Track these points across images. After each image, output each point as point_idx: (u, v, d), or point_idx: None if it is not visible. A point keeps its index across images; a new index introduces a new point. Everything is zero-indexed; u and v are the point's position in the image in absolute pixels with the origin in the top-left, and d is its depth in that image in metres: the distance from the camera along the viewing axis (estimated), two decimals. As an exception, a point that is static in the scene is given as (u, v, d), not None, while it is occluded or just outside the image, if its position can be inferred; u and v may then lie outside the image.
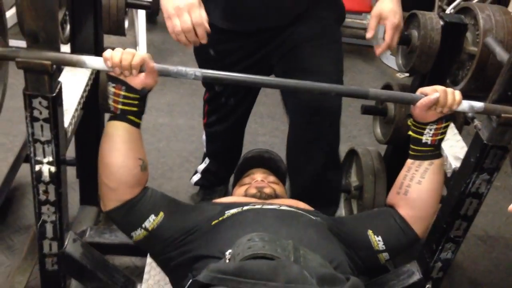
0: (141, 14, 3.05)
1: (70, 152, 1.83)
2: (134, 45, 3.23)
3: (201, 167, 2.01)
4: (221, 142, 1.88)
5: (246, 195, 1.36)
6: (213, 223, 1.13)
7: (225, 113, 1.76)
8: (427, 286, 1.40)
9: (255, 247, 0.97)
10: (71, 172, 1.89)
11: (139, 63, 1.04)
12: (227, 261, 0.97)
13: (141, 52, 1.09)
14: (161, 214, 1.14)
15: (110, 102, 1.09)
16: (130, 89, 1.07)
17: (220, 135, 1.84)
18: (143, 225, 1.13)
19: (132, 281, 1.43)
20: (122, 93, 1.07)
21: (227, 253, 0.99)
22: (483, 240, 2.22)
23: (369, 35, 1.40)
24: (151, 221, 1.13)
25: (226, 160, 1.95)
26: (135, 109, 1.09)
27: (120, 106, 1.08)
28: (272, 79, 1.17)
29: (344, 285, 0.93)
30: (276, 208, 1.18)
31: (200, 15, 1.18)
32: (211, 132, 1.86)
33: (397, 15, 1.38)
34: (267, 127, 2.73)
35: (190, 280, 0.95)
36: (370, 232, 1.19)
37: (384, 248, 1.19)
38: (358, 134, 2.74)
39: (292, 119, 1.59)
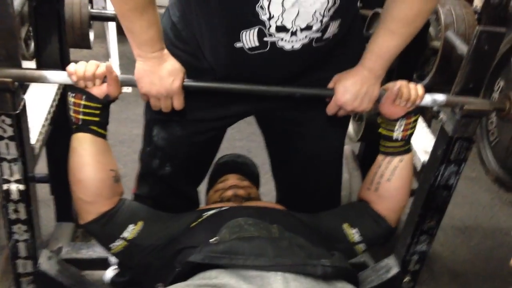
0: (112, 26, 3.03)
1: (43, 169, 1.82)
2: (106, 57, 3.21)
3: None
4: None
5: (221, 199, 1.36)
6: (192, 225, 1.13)
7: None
8: (406, 279, 1.42)
9: (242, 229, 0.99)
10: (45, 189, 1.88)
11: (102, 73, 1.04)
12: (215, 244, 0.97)
13: (105, 63, 1.08)
14: (140, 223, 1.14)
15: (71, 113, 1.08)
16: (90, 98, 1.06)
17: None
18: (122, 235, 1.12)
19: (112, 296, 1.42)
20: (83, 102, 1.06)
21: (212, 240, 0.99)
22: (461, 231, 2.26)
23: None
24: (130, 231, 1.12)
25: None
26: (97, 119, 1.08)
27: (81, 117, 1.07)
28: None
29: (331, 257, 0.95)
30: (253, 206, 1.20)
31: (182, 103, 1.13)
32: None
33: (356, 100, 1.13)
34: (243, 132, 2.74)
35: (179, 266, 0.94)
36: (345, 225, 1.21)
37: (361, 239, 1.21)
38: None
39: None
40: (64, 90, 1.49)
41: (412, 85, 1.13)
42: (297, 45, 1.03)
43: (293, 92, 1.15)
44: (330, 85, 1.16)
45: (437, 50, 1.55)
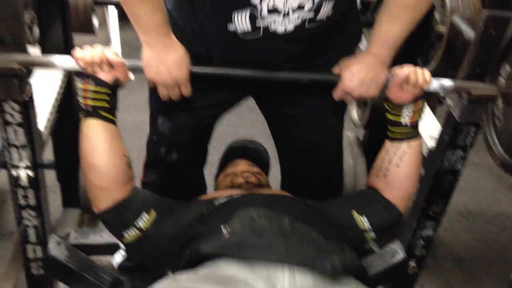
0: (113, 12, 3.00)
1: (49, 155, 1.83)
2: (108, 44, 3.19)
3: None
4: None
5: (233, 185, 1.36)
6: (204, 213, 1.13)
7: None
8: (411, 264, 1.43)
9: (254, 222, 0.99)
10: (52, 175, 1.89)
11: (110, 58, 1.03)
12: (226, 235, 0.98)
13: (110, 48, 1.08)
14: (153, 212, 1.13)
15: (80, 99, 1.07)
16: (99, 83, 1.05)
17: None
18: (136, 224, 1.12)
19: (120, 280, 1.43)
20: (92, 88, 1.05)
21: (223, 227, 0.99)
22: (464, 216, 2.27)
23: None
24: (144, 220, 1.12)
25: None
26: (106, 104, 1.07)
27: (90, 102, 1.06)
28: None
29: (342, 253, 0.96)
30: (265, 194, 1.20)
31: (190, 90, 1.13)
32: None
33: (363, 86, 1.13)
34: (247, 119, 2.73)
35: (189, 254, 0.95)
36: (354, 212, 1.20)
37: (370, 227, 1.20)
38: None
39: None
40: (70, 77, 1.49)
41: (419, 70, 1.13)
42: (290, 27, 1.02)
43: (300, 78, 1.14)
44: (336, 70, 1.16)
45: (442, 35, 1.55)
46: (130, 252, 1.36)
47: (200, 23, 1.09)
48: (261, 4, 0.97)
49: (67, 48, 1.48)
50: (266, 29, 1.02)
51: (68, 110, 1.55)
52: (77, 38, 1.89)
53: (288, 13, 1.00)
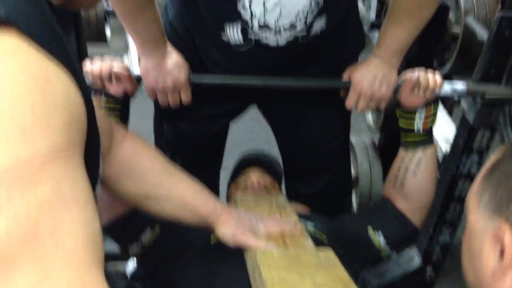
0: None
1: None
2: (126, 50, 3.23)
3: None
4: None
5: None
6: (213, 242, 1.06)
7: None
8: (428, 270, 1.40)
9: None
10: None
11: (116, 71, 1.04)
12: None
13: (119, 60, 1.09)
14: (157, 226, 1.11)
15: None
16: (108, 96, 1.06)
17: None
18: (140, 239, 1.10)
19: (134, 286, 1.43)
20: (102, 102, 1.06)
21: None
22: (485, 219, 2.21)
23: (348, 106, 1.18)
24: (147, 235, 1.10)
25: None
26: (117, 117, 1.09)
27: None
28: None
29: None
30: None
31: (190, 96, 1.12)
32: None
33: (375, 84, 1.12)
34: (263, 123, 2.71)
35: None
36: (370, 229, 1.18)
37: (386, 244, 1.18)
38: (355, 123, 2.73)
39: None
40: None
41: (430, 73, 1.11)
42: (282, 42, 1.02)
43: (309, 85, 1.14)
44: (345, 76, 1.15)
45: (457, 36, 1.52)
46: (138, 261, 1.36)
47: (195, 32, 1.10)
48: (251, 20, 0.97)
49: (80, 58, 1.50)
50: (258, 41, 1.02)
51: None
52: (95, 46, 1.91)
53: (280, 31, 1.00)
